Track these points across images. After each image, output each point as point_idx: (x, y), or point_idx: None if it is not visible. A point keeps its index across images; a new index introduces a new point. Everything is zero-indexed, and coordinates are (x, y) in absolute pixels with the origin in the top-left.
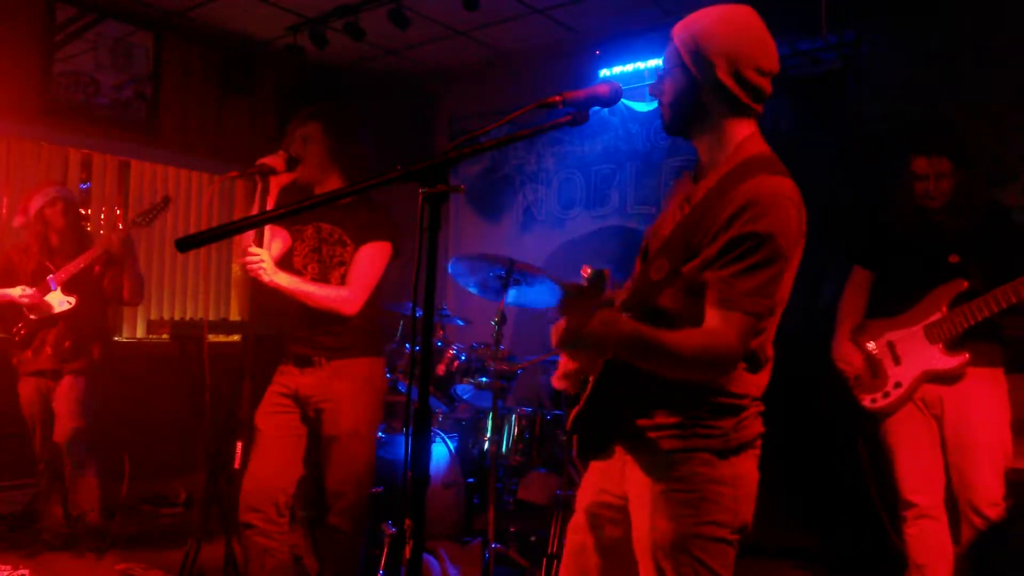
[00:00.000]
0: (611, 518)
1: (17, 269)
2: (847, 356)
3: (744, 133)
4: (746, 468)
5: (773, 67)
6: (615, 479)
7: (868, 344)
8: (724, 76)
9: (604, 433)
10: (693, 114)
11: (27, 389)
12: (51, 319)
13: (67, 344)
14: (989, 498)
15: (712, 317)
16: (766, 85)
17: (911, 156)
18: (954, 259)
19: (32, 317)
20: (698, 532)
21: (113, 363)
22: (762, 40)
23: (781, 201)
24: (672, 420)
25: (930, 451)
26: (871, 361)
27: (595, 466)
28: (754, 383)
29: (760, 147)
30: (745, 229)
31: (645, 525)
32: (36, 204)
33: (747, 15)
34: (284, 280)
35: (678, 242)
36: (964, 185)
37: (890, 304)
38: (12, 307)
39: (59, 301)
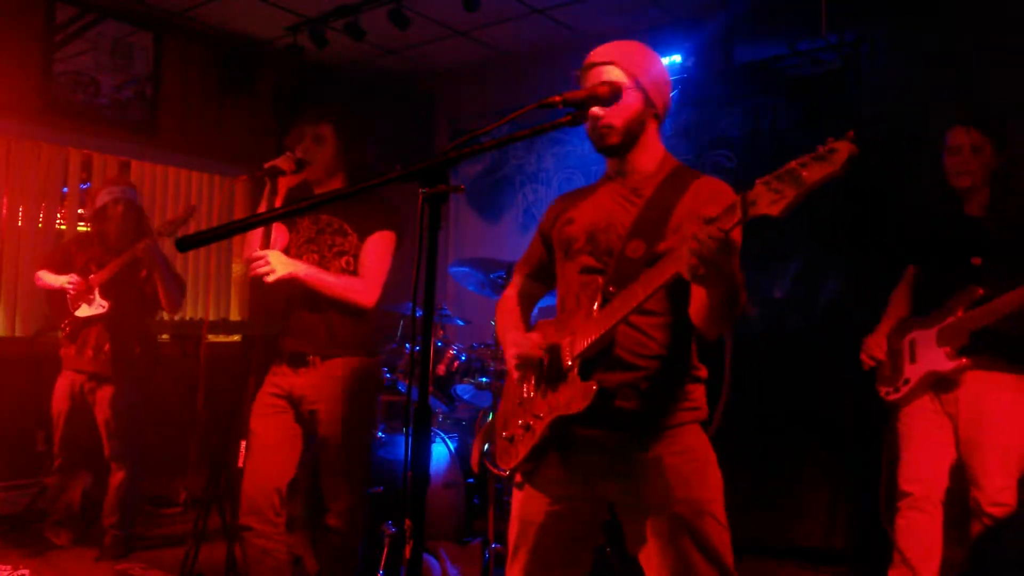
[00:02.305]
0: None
1: (72, 260)
2: (870, 348)
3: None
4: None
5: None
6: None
7: (895, 340)
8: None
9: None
10: (637, 131)
11: (64, 383)
12: (88, 320)
13: (106, 347)
14: (993, 498)
15: None
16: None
17: (947, 130)
18: (976, 261)
19: (77, 315)
20: (713, 496)
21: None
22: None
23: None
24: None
25: (938, 446)
26: (894, 356)
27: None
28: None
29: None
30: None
31: (667, 499)
32: (101, 200)
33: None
34: (302, 269)
35: (651, 227)
36: (1000, 173)
37: (925, 302)
38: (61, 299)
39: (95, 304)
